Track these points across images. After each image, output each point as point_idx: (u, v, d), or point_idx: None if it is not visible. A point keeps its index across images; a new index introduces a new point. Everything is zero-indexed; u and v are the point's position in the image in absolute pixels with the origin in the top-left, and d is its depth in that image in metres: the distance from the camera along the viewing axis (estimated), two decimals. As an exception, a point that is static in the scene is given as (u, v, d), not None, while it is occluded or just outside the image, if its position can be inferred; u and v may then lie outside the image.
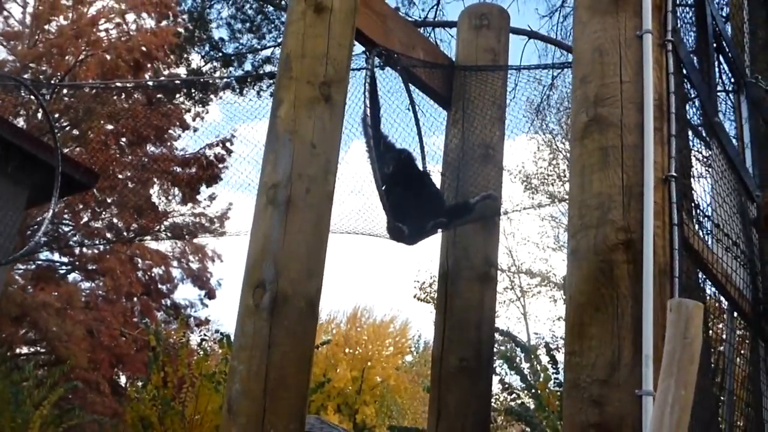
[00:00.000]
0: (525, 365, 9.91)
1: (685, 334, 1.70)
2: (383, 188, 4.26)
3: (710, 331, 3.54)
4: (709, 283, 3.36)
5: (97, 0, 19.01)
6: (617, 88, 2.98)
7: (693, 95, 3.59)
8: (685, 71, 3.30)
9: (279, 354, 3.40)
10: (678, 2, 3.49)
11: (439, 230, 4.55)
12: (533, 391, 9.54)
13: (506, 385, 10.14)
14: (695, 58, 3.79)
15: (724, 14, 5.18)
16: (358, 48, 4.43)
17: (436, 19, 11.43)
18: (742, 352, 3.73)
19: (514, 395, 10.05)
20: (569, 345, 2.78)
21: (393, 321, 24.98)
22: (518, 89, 5.61)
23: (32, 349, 18.31)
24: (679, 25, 3.37)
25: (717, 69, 4.10)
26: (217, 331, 15.21)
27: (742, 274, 3.52)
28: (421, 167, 4.88)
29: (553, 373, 9.25)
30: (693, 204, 3.32)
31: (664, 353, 1.73)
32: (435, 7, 11.58)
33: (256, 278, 3.52)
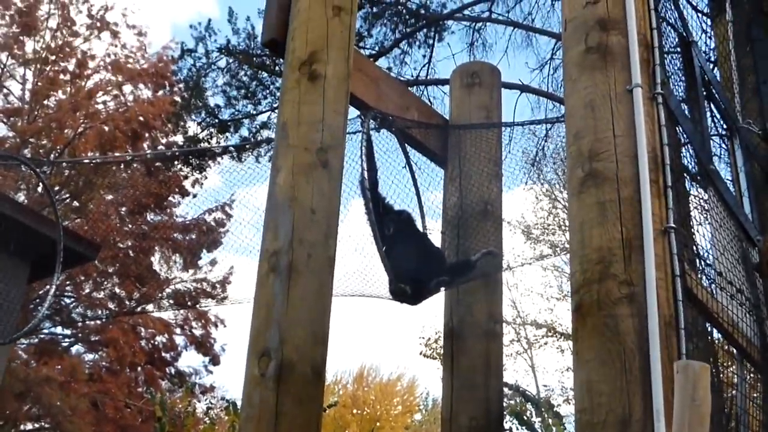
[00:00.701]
0: (536, 420, 9.76)
1: (694, 397, 1.68)
2: (384, 249, 4.27)
3: (721, 375, 3.51)
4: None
5: (94, 73, 19.32)
6: (611, 143, 3.01)
7: (686, 141, 3.62)
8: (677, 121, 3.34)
9: (287, 423, 3.37)
10: (666, 51, 3.54)
11: (442, 289, 4.55)
12: (547, 446, 9.36)
13: (518, 442, 9.95)
14: (686, 107, 3.83)
15: (712, 58, 5.26)
16: (353, 111, 4.50)
17: (429, 78, 11.60)
18: (755, 395, 3.68)
19: (527, 452, 9.85)
20: (579, 403, 2.75)
21: (400, 379, 24.72)
22: (513, 142, 5.66)
23: (37, 425, 18.06)
24: (668, 76, 3.42)
25: (709, 115, 4.15)
26: (222, 398, 15.01)
27: (749, 321, 3.50)
28: (420, 226, 4.90)
29: (563, 430, 9.10)
30: (694, 253, 3.32)
31: (674, 417, 1.71)
32: (426, 65, 11.77)
33: (261, 347, 3.50)
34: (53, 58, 18.80)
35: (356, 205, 4.60)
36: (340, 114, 4.06)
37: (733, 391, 3.55)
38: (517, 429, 9.96)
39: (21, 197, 16.74)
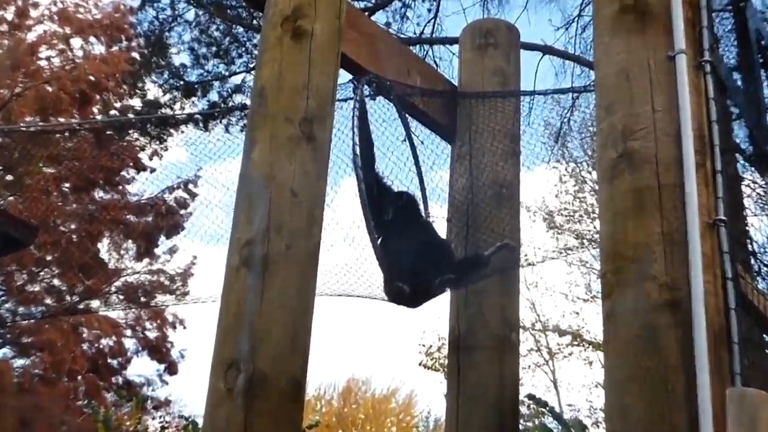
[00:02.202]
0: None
1: (752, 432, 1.66)
2: (379, 240, 4.27)
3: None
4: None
5: (37, 24, 19.21)
6: (649, 118, 3.02)
7: (738, 117, 3.63)
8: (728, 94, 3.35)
9: (258, 447, 3.38)
10: (714, 10, 3.54)
11: (447, 289, 4.56)
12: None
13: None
14: (739, 76, 3.84)
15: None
16: (345, 75, 4.50)
17: (434, 36, 11.57)
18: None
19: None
20: (610, 429, 2.76)
21: (395, 394, 24.81)
22: (534, 113, 5.66)
23: (-49, 448, 18.04)
24: (717, 40, 3.43)
25: (766, 86, 4.15)
26: (180, 416, 15.02)
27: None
28: (423, 212, 4.90)
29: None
30: (749, 251, 3.34)
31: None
32: (432, 21, 11.74)
33: (228, 356, 3.50)
34: (-14, 5, 18.69)
35: (346, 187, 4.60)
36: (328, 78, 4.06)
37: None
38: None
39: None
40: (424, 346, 22.38)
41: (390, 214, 4.46)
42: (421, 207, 4.90)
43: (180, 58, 12.51)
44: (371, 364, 44.24)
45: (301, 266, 3.72)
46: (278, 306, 3.59)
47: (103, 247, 18.12)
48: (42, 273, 18.28)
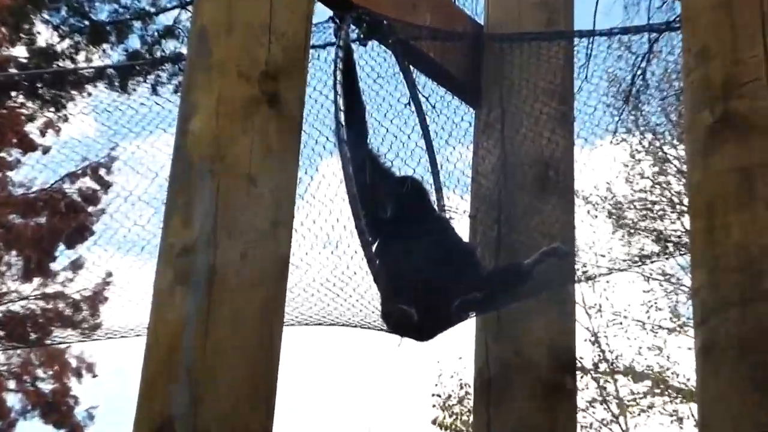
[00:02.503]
0: None
1: None
2: (376, 245, 4.30)
3: None
4: None
5: None
6: (760, 66, 3.03)
7: None
8: None
9: None
10: None
11: (472, 314, 4.58)
12: None
13: None
14: None
15: None
16: (322, 12, 4.52)
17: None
18: None
19: None
20: None
21: (399, 465, 25.00)
22: (594, 62, 5.68)
23: None
24: None
25: None
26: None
27: None
28: (435, 205, 4.93)
29: None
30: None
31: None
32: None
33: (158, 412, 3.49)
34: None
35: (327, 170, 4.62)
36: (300, 15, 4.07)
37: None
38: None
39: None
40: (439, 396, 22.44)
41: (389, 208, 4.48)
42: (433, 197, 4.92)
43: (84, -13, 12.52)
44: (365, 420, 44.41)
45: (262, 283, 3.73)
46: (230, 339, 3.59)
47: (-25, 260, 18.16)
48: None
